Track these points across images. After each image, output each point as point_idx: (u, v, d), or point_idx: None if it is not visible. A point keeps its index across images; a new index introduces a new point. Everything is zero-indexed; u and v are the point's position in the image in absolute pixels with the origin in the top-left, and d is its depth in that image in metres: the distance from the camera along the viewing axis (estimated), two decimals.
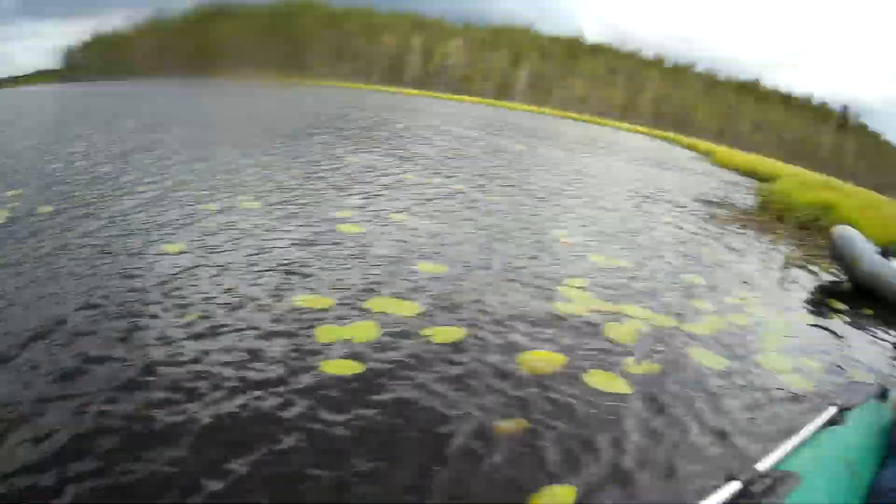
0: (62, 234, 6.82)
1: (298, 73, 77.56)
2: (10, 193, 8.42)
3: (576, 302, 6.15)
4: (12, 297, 5.01)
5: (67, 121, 20.34)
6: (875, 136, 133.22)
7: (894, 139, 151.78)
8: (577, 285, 6.71)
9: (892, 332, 7.31)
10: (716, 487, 2.02)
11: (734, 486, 2.01)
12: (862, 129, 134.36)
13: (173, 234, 7.04)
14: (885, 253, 9.07)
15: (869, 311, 7.97)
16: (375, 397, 3.91)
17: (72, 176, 10.09)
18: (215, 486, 3.02)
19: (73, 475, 2.99)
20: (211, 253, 6.41)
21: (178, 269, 5.84)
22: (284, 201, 8.98)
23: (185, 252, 6.39)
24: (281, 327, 4.76)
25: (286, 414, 3.64)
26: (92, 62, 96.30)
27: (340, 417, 3.65)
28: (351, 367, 4.22)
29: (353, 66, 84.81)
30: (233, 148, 13.76)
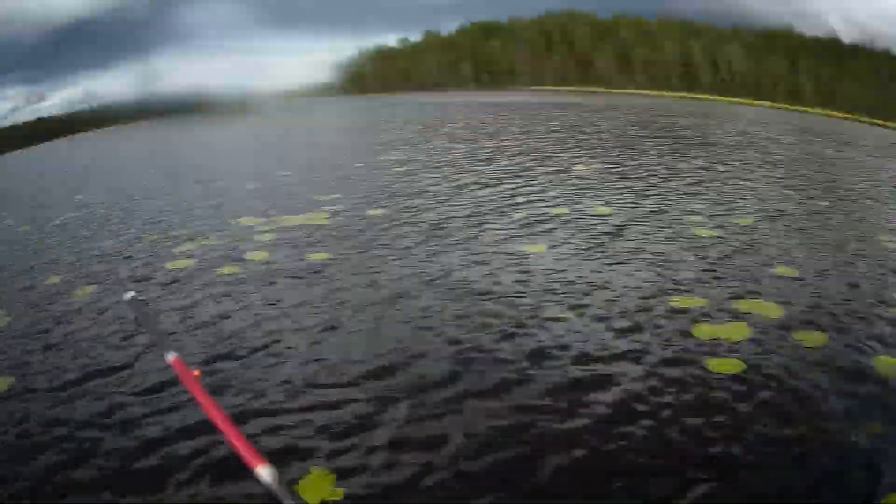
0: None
1: (583, 83, 77.72)
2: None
3: None
4: None
5: None
6: None
7: None
8: None
9: None
10: None
11: None
12: None
13: (535, 237, 7.62)
14: None
15: None
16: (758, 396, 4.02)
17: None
18: None
19: None
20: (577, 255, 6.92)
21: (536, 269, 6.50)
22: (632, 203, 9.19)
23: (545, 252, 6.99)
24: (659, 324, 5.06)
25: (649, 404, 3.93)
26: (367, 77, 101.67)
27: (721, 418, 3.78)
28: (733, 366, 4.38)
29: (638, 76, 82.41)
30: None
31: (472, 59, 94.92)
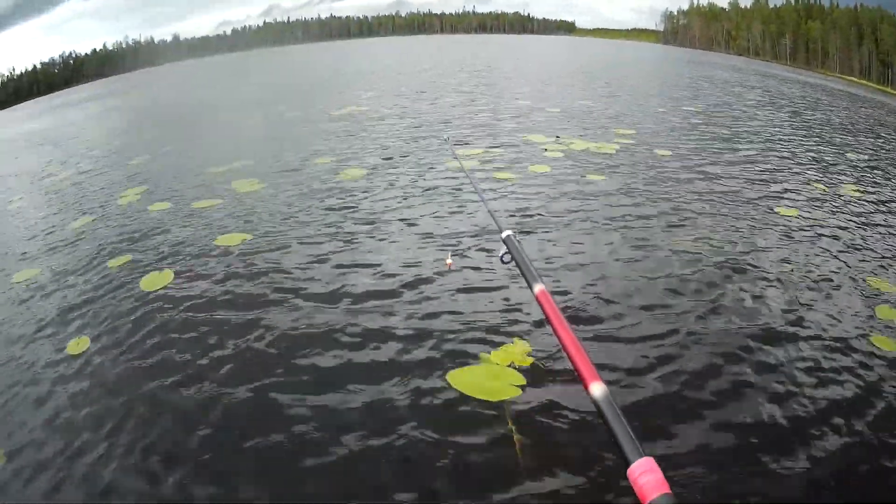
0: None
1: (879, 83, 74.18)
2: None
3: None
4: None
5: None
6: None
7: None
8: None
9: None
10: None
11: None
12: None
13: (786, 200, 7.19)
14: None
15: None
16: None
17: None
18: None
19: None
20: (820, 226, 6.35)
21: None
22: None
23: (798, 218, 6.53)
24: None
25: None
26: (692, 31, 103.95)
27: None
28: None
29: None
30: None
31: (793, 34, 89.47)
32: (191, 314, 4.41)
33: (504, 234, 2.00)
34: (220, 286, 4.85)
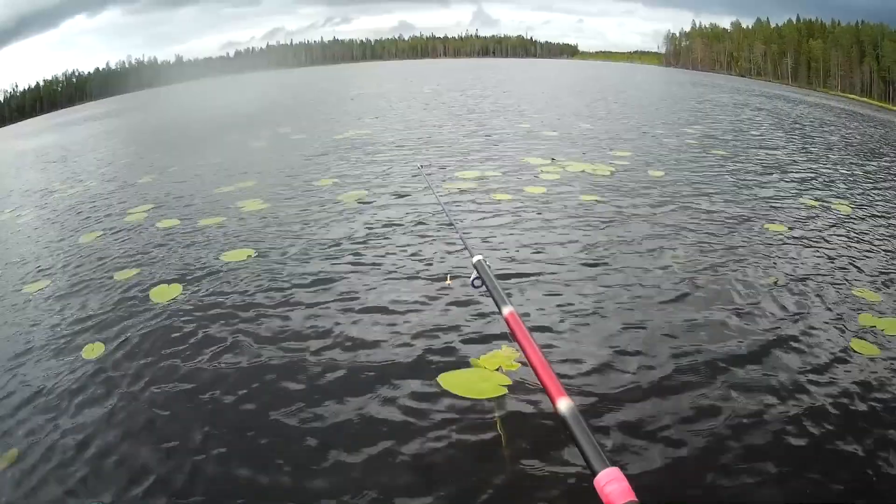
0: None
1: (881, 100, 74.13)
2: None
3: None
4: None
5: None
6: None
7: None
8: None
9: None
10: None
11: None
12: None
13: (776, 217, 7.34)
14: None
15: None
16: None
17: None
18: None
19: None
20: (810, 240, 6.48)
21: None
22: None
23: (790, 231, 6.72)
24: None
25: None
26: (695, 53, 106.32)
27: None
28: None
29: None
30: None
31: (795, 53, 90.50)
32: (199, 324, 4.61)
33: (475, 259, 2.06)
34: (225, 298, 5.06)
